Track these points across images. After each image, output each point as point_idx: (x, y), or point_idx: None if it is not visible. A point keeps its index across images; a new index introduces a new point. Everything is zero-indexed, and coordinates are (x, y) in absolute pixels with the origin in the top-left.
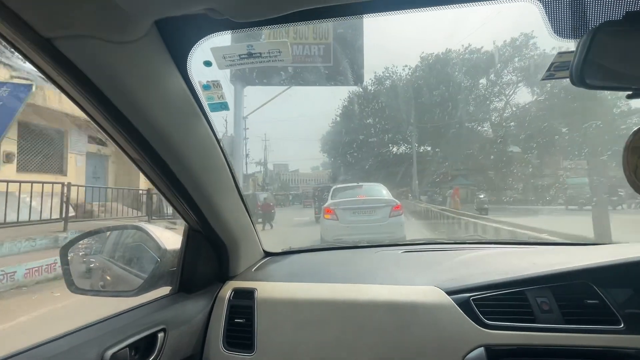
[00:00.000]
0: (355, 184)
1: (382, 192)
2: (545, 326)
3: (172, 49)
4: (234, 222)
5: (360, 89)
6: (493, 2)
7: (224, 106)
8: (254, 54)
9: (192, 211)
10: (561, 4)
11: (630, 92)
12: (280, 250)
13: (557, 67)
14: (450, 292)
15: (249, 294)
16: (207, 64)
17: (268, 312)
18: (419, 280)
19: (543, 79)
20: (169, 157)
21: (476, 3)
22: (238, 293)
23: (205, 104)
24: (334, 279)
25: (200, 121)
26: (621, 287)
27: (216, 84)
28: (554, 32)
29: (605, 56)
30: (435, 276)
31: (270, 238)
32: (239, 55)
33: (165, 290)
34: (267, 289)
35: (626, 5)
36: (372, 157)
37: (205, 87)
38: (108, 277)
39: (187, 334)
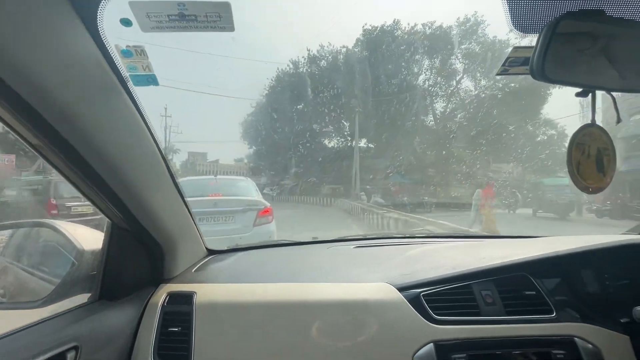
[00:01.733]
0: (209, 176)
1: (247, 189)
2: (489, 318)
3: (76, 1)
4: (170, 218)
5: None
6: None
7: (152, 80)
8: (188, 16)
9: (116, 207)
10: None
11: (579, 90)
12: (225, 248)
13: (511, 62)
14: (401, 289)
15: (186, 298)
16: (126, 22)
17: (208, 318)
18: (371, 277)
19: (498, 74)
20: (79, 142)
21: None
22: (174, 298)
23: (126, 75)
24: (282, 278)
25: (119, 96)
26: (553, 277)
27: (140, 51)
28: (514, 26)
29: (565, 49)
30: (386, 272)
31: None
32: (168, 16)
33: (83, 298)
34: (207, 292)
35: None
36: (302, 148)
37: (125, 53)
38: (9, 285)
39: (108, 349)
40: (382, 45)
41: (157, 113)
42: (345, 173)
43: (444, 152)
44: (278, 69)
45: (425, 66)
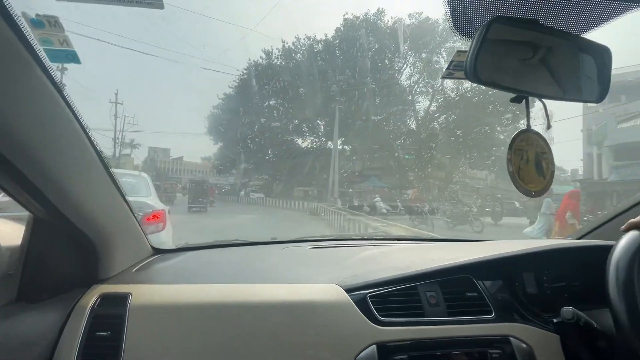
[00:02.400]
0: None
1: (135, 188)
2: (432, 319)
3: None
4: (103, 211)
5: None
6: None
7: (71, 57)
8: None
9: (35, 198)
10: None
11: (514, 96)
12: (173, 247)
13: (455, 66)
14: (349, 290)
15: (120, 300)
16: None
17: (143, 321)
18: (320, 278)
19: (443, 77)
20: None
21: None
22: (106, 299)
23: (38, 49)
24: (229, 279)
25: (31, 71)
26: (494, 279)
27: (53, 22)
28: (454, 27)
29: (496, 52)
30: (337, 273)
31: None
32: None
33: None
34: (145, 293)
35: (525, 5)
36: (275, 147)
37: (35, 23)
38: None
39: (24, 355)
40: (362, 37)
41: (106, 99)
42: (319, 175)
43: (425, 154)
44: (249, 59)
45: (409, 61)
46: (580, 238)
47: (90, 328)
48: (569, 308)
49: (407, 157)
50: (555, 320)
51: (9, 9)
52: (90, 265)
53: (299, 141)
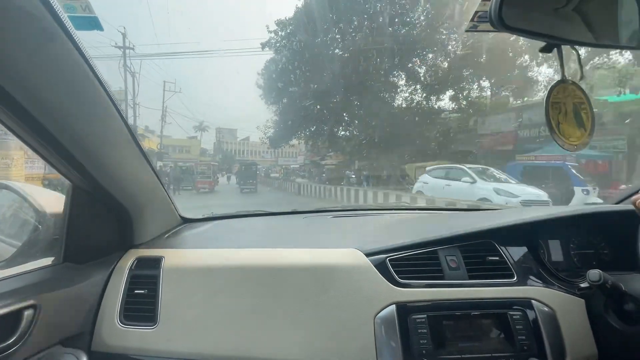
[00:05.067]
0: None
1: None
2: (451, 282)
3: None
4: (135, 182)
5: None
6: None
7: (93, 23)
8: None
9: (72, 167)
10: None
11: (544, 44)
12: (200, 217)
13: (480, 18)
14: (368, 254)
15: (155, 262)
16: None
17: (175, 281)
18: (341, 243)
19: (467, 31)
20: (21, 95)
21: None
22: (142, 262)
23: (64, 17)
24: (253, 244)
25: (59, 42)
26: (517, 245)
27: None
28: None
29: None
30: (357, 239)
31: None
32: None
33: (47, 262)
34: (176, 257)
35: None
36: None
37: None
38: None
39: (72, 309)
40: None
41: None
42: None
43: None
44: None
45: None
46: (617, 203)
47: (129, 287)
48: (596, 270)
49: None
50: (581, 285)
51: None
52: (126, 231)
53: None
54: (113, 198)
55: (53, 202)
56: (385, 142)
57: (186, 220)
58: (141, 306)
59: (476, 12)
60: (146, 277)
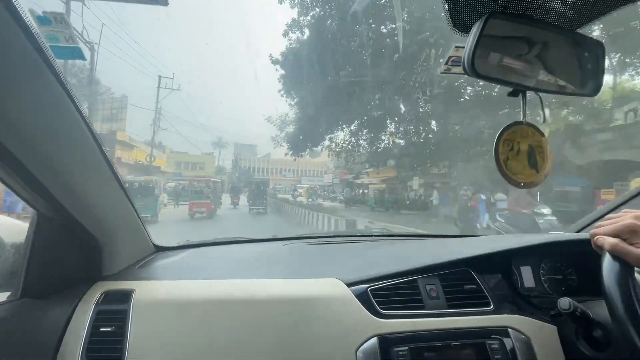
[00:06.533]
0: None
1: None
2: (432, 312)
3: None
4: (106, 209)
5: None
6: None
7: (76, 53)
8: None
9: (40, 195)
10: None
11: (511, 90)
12: (175, 245)
13: (454, 62)
14: (350, 284)
15: (124, 296)
16: None
17: (147, 316)
18: (322, 273)
19: (442, 73)
20: None
21: None
22: (110, 296)
23: (46, 47)
24: (230, 274)
25: (39, 71)
26: (493, 273)
27: (59, 18)
28: (452, 23)
29: (493, 48)
30: (338, 268)
31: None
32: None
33: (2, 297)
34: (148, 290)
35: (520, 2)
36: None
37: (42, 21)
38: None
39: (29, 349)
40: None
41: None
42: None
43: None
44: None
45: None
46: (578, 231)
47: (94, 323)
48: (565, 299)
49: None
50: (552, 312)
51: (16, 6)
52: (93, 262)
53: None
54: (81, 226)
55: (12, 230)
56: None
57: (159, 249)
58: (107, 345)
59: (450, 57)
60: (114, 312)
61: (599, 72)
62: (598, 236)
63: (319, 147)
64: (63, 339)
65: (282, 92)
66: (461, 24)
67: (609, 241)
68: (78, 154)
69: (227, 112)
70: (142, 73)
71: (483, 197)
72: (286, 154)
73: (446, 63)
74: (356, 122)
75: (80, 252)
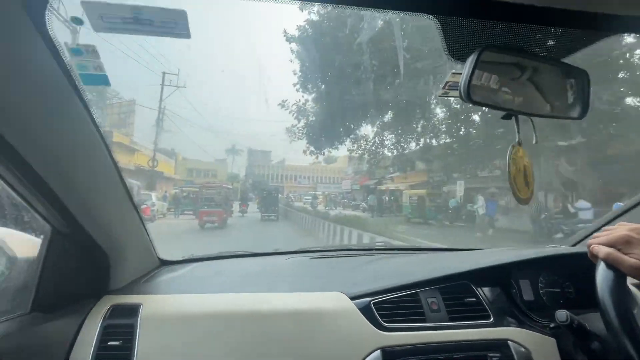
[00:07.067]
0: None
1: None
2: (433, 324)
3: None
4: (117, 223)
5: None
6: (391, 11)
7: (102, 80)
8: (143, 20)
9: (57, 210)
10: (456, 25)
11: (504, 113)
12: (180, 259)
13: (450, 86)
14: (353, 297)
15: (131, 310)
16: (77, 21)
17: (154, 331)
18: (325, 286)
19: (440, 96)
20: (21, 142)
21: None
22: (118, 310)
23: (75, 74)
24: (235, 288)
25: (68, 96)
26: (492, 286)
27: (91, 50)
28: (448, 52)
29: (488, 76)
30: (341, 282)
31: None
32: (122, 18)
33: (13, 311)
34: (155, 303)
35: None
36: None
37: (75, 52)
38: None
39: None
40: None
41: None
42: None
43: None
44: None
45: None
46: (574, 245)
47: (102, 338)
48: (562, 311)
49: None
50: (551, 325)
51: (53, 39)
52: (101, 276)
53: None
54: (93, 241)
55: (25, 245)
56: None
57: (165, 263)
58: (115, 359)
59: (447, 82)
60: (122, 326)
61: (585, 97)
62: (594, 245)
63: (339, 147)
64: (71, 353)
65: (298, 87)
66: (457, 54)
67: (603, 250)
68: (95, 171)
69: (237, 113)
70: (147, 70)
71: (585, 205)
72: (305, 151)
73: (443, 87)
74: (382, 118)
75: (88, 267)
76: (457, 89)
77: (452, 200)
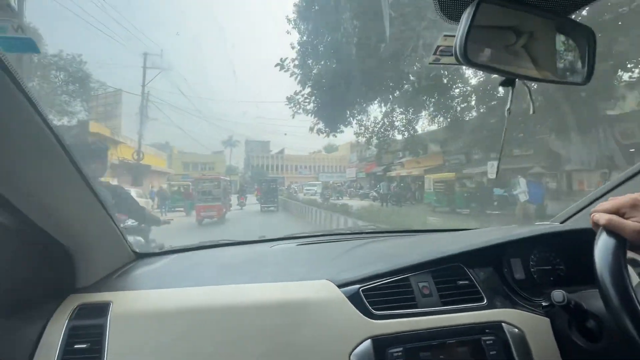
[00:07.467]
0: None
1: None
2: (425, 310)
3: None
4: (77, 217)
5: None
6: None
7: (28, 45)
8: None
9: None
10: None
11: (503, 79)
12: (157, 251)
13: (442, 52)
14: (340, 285)
15: (100, 309)
16: None
17: (125, 330)
18: (312, 275)
19: (431, 64)
20: None
21: None
22: (85, 310)
23: None
24: (216, 281)
25: None
26: (484, 267)
27: (5, 5)
28: (441, 11)
29: (485, 35)
30: (327, 269)
31: None
32: None
33: None
34: (127, 301)
35: None
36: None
37: None
38: None
39: None
40: None
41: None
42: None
43: None
44: None
45: None
46: (563, 222)
47: (67, 341)
48: (559, 291)
49: None
50: (544, 304)
51: None
52: (65, 274)
53: None
54: (49, 236)
55: None
56: None
57: (140, 256)
58: None
59: (438, 47)
60: (89, 327)
61: (590, 59)
62: (595, 213)
63: (345, 129)
64: (34, 359)
65: (296, 62)
66: (450, 11)
67: (605, 217)
68: (40, 160)
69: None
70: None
71: None
72: (311, 129)
73: (434, 53)
74: (392, 97)
75: (49, 264)
76: (450, 54)
77: (497, 190)
